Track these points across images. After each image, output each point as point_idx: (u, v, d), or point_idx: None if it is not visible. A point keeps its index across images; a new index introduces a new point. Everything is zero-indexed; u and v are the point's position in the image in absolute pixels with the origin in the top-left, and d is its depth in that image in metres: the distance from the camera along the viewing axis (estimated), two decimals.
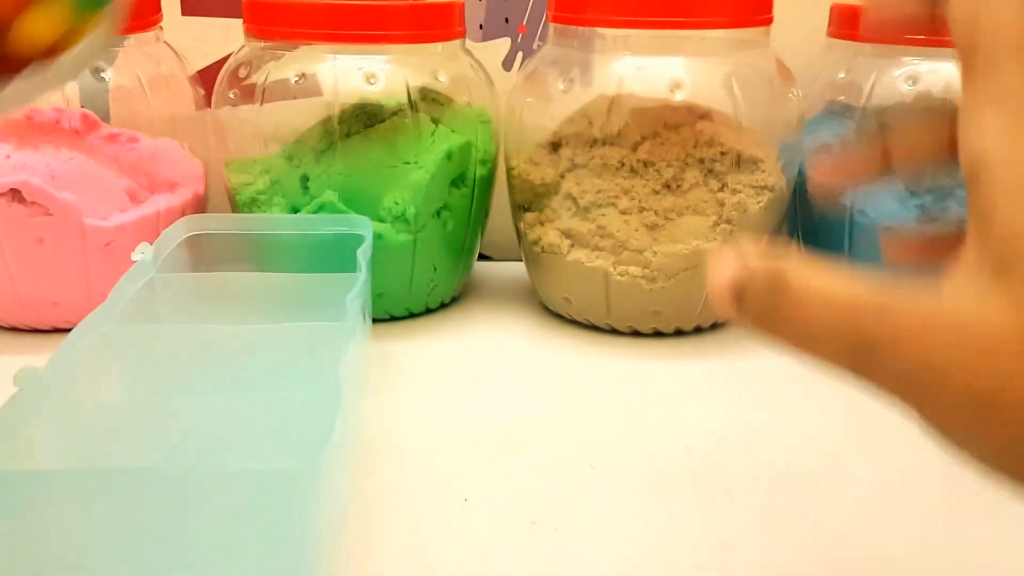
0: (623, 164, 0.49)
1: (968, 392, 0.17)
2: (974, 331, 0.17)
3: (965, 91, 0.20)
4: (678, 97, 0.48)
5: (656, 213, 0.49)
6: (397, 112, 0.50)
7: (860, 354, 0.19)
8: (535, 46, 0.64)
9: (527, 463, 0.40)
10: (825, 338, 0.19)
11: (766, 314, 0.20)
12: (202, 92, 0.56)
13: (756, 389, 0.47)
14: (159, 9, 0.55)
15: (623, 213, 0.49)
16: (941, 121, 0.22)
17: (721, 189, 0.49)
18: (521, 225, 0.54)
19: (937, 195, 0.52)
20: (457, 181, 0.52)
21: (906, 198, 0.53)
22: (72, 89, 0.51)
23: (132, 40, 0.52)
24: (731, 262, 0.20)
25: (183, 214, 0.54)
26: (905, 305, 0.18)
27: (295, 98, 0.50)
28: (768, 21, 0.50)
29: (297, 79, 0.50)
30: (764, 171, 0.49)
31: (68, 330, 0.52)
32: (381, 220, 0.51)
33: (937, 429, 0.18)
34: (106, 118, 0.53)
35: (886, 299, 0.19)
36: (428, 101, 0.51)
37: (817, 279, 0.19)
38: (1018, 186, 0.17)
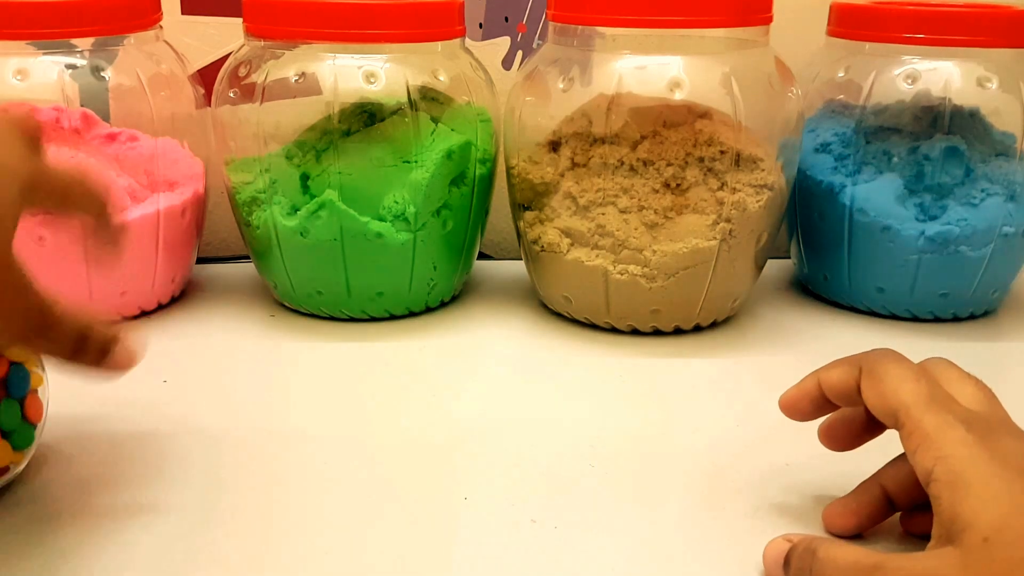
0: (622, 163, 0.49)
1: None
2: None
3: (905, 445, 0.30)
4: (677, 96, 0.48)
5: (655, 212, 0.49)
6: (397, 111, 0.50)
7: None
8: (535, 45, 0.64)
9: (527, 462, 0.40)
10: None
11: (802, 571, 0.30)
12: (202, 91, 0.56)
13: (756, 387, 0.47)
14: (159, 8, 0.55)
15: (622, 212, 0.49)
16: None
17: (720, 188, 0.49)
18: (521, 224, 0.54)
19: (936, 194, 0.52)
20: (457, 180, 0.52)
21: (905, 197, 0.53)
22: (72, 88, 0.51)
23: (132, 39, 0.52)
24: (781, 542, 0.32)
25: (183, 213, 0.54)
26: (893, 563, 0.28)
27: (295, 97, 0.50)
28: (767, 20, 0.50)
29: (297, 78, 0.50)
30: (763, 170, 0.49)
31: None
32: (381, 219, 0.51)
33: None
34: (106, 117, 0.53)
35: (881, 559, 0.28)
36: (428, 100, 0.52)
37: (835, 548, 0.30)
38: (952, 488, 0.28)
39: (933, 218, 0.52)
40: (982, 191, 0.52)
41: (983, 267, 0.53)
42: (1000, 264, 0.54)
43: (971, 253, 0.53)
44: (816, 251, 0.58)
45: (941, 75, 0.51)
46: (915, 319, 0.56)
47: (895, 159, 0.53)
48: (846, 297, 0.57)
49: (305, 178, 0.51)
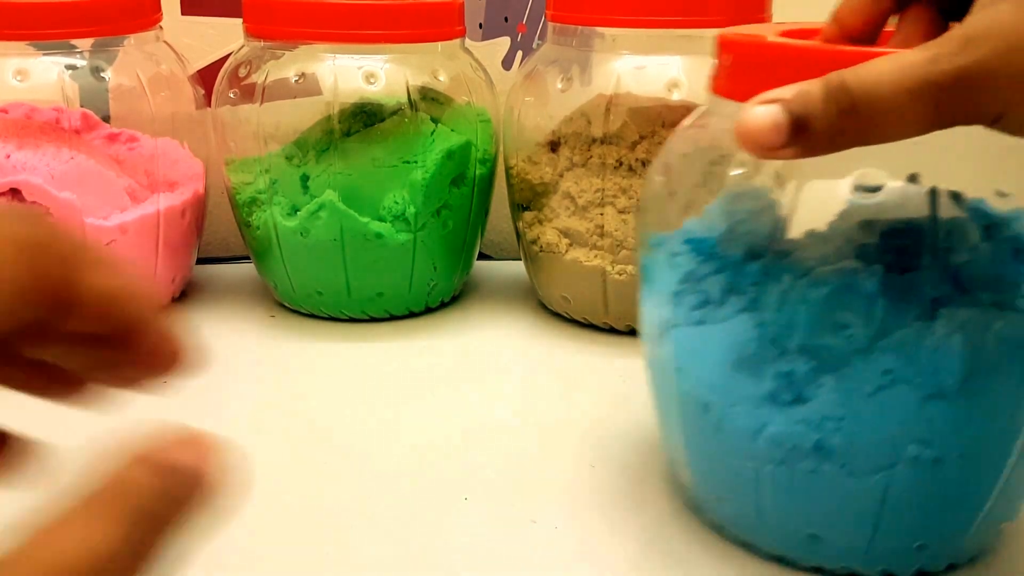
0: (621, 163, 0.49)
1: None
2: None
3: None
4: (676, 96, 0.48)
5: None
6: (397, 111, 0.50)
7: (945, 96, 0.22)
8: (534, 45, 0.64)
9: (527, 461, 0.40)
10: (907, 111, 0.23)
11: (839, 127, 0.23)
12: (202, 91, 0.56)
13: None
14: (159, 8, 0.55)
15: (621, 212, 0.49)
16: None
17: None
18: (520, 224, 0.54)
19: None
20: (457, 180, 0.52)
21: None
22: (72, 89, 0.51)
23: (132, 40, 0.52)
24: (766, 106, 0.24)
25: (183, 213, 0.54)
26: (951, 44, 0.22)
27: (295, 97, 0.50)
28: (767, 20, 0.50)
29: (297, 78, 0.50)
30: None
31: None
32: (381, 219, 0.51)
33: None
34: (106, 118, 0.53)
35: (935, 46, 0.22)
36: (428, 100, 0.52)
37: (865, 72, 0.23)
38: None
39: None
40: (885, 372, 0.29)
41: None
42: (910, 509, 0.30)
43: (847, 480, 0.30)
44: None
45: None
46: None
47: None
48: None
49: (305, 178, 0.51)
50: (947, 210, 0.29)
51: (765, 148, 0.24)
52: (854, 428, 0.29)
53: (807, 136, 0.23)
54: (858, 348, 0.28)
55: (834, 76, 0.23)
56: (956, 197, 0.30)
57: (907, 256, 0.29)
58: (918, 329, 0.28)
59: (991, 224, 0.30)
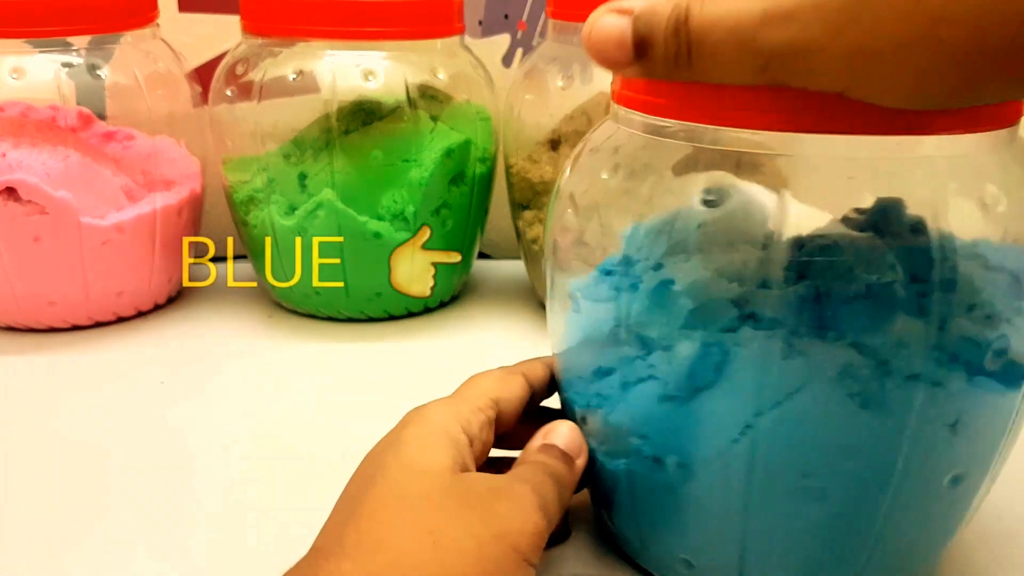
0: None
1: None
2: None
3: None
4: None
5: None
6: (396, 109, 0.50)
7: (772, 62, 0.21)
8: (535, 42, 0.64)
9: None
10: (736, 63, 0.21)
11: (675, 59, 0.22)
12: (199, 89, 0.56)
13: None
14: (156, 6, 0.54)
15: None
16: None
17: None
18: (520, 223, 0.54)
19: None
20: (456, 179, 0.52)
21: None
22: (68, 87, 0.51)
23: (129, 37, 0.52)
24: (616, 16, 0.22)
25: (180, 212, 0.54)
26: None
27: (293, 95, 0.50)
28: None
29: (295, 76, 0.49)
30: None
31: (65, 330, 0.52)
32: (380, 218, 0.50)
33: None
34: (103, 116, 0.53)
35: (765, 5, 0.21)
36: (427, 98, 0.51)
37: (710, 10, 0.21)
38: None
39: None
40: None
41: None
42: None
43: None
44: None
45: None
46: None
47: None
48: None
49: (303, 177, 0.51)
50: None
51: (610, 62, 0.23)
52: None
53: (648, 60, 0.22)
54: None
55: (683, 4, 0.21)
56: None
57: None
58: None
59: None
